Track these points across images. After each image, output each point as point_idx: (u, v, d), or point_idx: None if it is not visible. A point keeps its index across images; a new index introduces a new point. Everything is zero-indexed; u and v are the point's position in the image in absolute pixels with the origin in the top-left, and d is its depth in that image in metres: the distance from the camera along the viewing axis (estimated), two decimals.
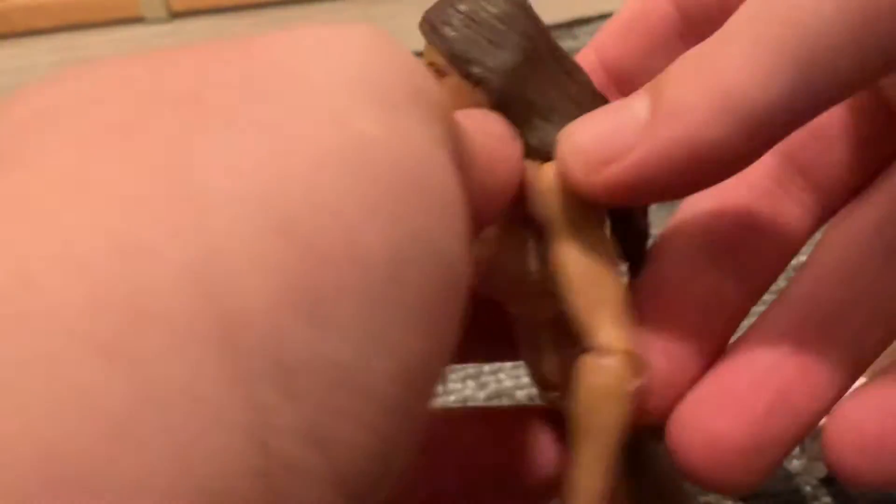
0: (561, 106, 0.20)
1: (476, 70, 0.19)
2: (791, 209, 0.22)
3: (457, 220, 0.15)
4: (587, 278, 0.20)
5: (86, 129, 0.13)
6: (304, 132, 0.13)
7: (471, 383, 0.39)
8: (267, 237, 0.12)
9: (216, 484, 0.11)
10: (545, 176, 0.19)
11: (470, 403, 0.39)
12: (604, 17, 0.55)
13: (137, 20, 0.61)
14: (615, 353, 0.19)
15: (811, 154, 0.22)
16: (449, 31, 0.20)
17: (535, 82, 0.20)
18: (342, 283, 0.13)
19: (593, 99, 0.20)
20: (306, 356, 0.12)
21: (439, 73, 0.20)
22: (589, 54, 0.24)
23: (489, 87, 0.19)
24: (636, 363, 0.19)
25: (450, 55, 0.20)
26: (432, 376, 0.15)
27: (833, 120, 0.22)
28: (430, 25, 0.20)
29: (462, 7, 0.20)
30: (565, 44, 0.53)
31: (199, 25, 0.60)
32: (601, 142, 0.18)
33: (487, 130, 0.19)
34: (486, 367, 0.40)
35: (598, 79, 0.23)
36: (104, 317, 0.11)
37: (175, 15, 0.60)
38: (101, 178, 0.12)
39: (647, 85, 0.19)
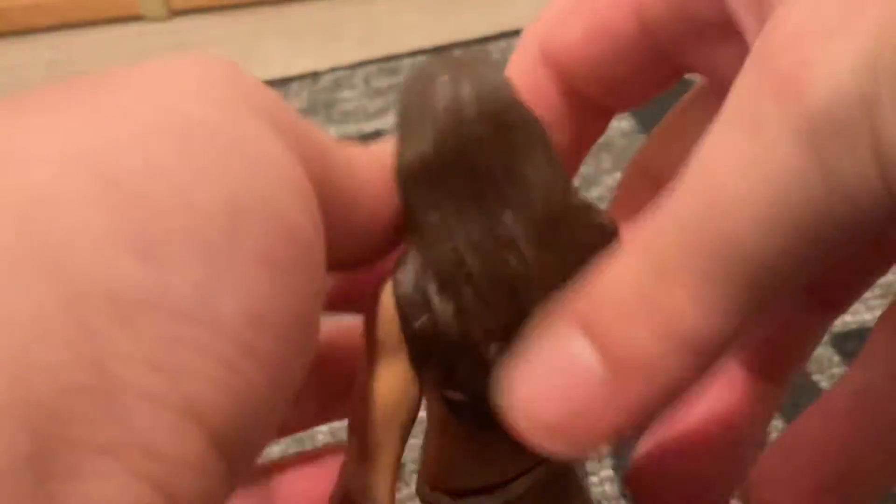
0: (441, 245, 0.18)
1: (396, 150, 0.19)
2: (572, 124, 0.22)
3: (294, 187, 0.16)
4: (385, 413, 0.19)
5: None
6: (132, 109, 0.15)
7: None
8: (90, 184, 0.14)
9: (50, 399, 0.12)
10: (385, 301, 0.18)
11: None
12: None
13: (136, 18, 0.60)
14: (346, 489, 0.20)
15: (595, 90, 0.22)
16: (406, 94, 0.19)
17: (430, 193, 0.18)
18: (174, 228, 0.14)
19: (496, 251, 0.18)
20: (141, 290, 0.14)
21: None
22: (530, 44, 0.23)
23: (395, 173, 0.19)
24: None
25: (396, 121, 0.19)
26: (288, 324, 0.16)
27: (616, 67, 0.22)
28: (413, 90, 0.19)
29: (440, 79, 0.18)
30: None
31: (198, 24, 0.60)
32: (557, 408, 0.17)
33: (373, 178, 0.19)
34: None
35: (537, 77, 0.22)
36: None
37: (174, 13, 0.60)
38: None
39: (574, 320, 0.17)
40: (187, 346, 0.14)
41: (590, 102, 0.22)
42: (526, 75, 0.22)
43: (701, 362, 0.17)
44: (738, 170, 0.15)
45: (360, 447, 0.19)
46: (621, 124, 0.49)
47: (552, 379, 0.18)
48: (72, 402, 0.13)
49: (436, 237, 0.18)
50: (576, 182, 0.23)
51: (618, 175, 0.47)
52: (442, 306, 0.18)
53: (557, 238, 0.18)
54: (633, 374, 0.17)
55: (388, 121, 0.53)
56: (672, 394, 0.17)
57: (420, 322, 0.18)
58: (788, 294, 0.17)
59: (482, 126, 0.18)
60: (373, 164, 0.19)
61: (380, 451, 0.19)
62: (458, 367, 0.18)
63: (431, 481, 0.21)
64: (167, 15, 0.60)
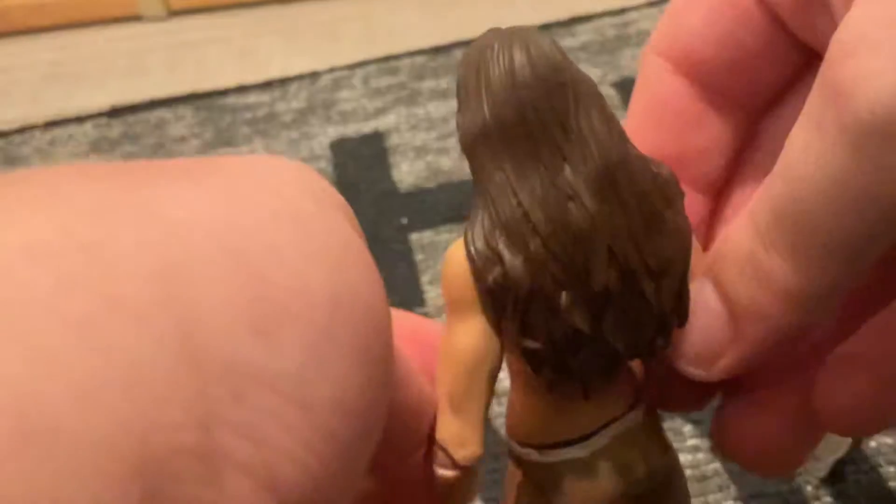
0: (503, 199, 0.19)
1: (458, 119, 0.20)
2: (717, 122, 0.25)
3: (377, 286, 0.17)
4: (468, 365, 0.21)
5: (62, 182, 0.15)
6: (252, 195, 0.16)
7: None
8: (221, 258, 0.15)
9: (164, 456, 0.13)
10: (454, 258, 0.20)
11: None
12: (605, 14, 0.55)
13: (135, 18, 0.60)
14: (438, 441, 0.21)
15: (724, 75, 0.24)
16: (463, 65, 0.20)
17: (492, 155, 0.19)
18: (286, 309, 0.15)
19: (557, 202, 0.19)
20: (254, 365, 0.14)
21: None
22: None
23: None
24: (448, 456, 0.21)
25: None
26: (369, 418, 0.17)
27: (741, 47, 0.24)
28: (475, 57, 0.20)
29: (493, 46, 0.19)
30: (564, 42, 0.53)
31: (197, 23, 0.60)
32: (702, 348, 0.22)
33: (419, 384, 0.21)
34: None
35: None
36: (75, 297, 0.13)
37: (173, 13, 0.60)
38: (73, 196, 0.14)
39: (706, 273, 0.21)
40: (279, 422, 0.15)
41: (723, 98, 0.24)
42: (657, 85, 0.25)
43: (799, 314, 0.20)
44: (808, 161, 0.18)
45: (448, 400, 0.21)
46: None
47: (693, 319, 0.22)
48: (180, 461, 0.13)
49: (501, 195, 0.19)
50: None
51: None
52: (511, 259, 0.19)
53: (616, 188, 0.20)
54: (747, 319, 0.21)
55: (388, 121, 0.53)
56: (779, 337, 0.21)
57: (493, 275, 0.19)
58: (864, 265, 0.19)
59: (536, 87, 0.19)
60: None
61: (467, 401, 0.21)
62: (533, 317, 0.20)
63: (518, 436, 0.23)
64: (166, 15, 0.60)
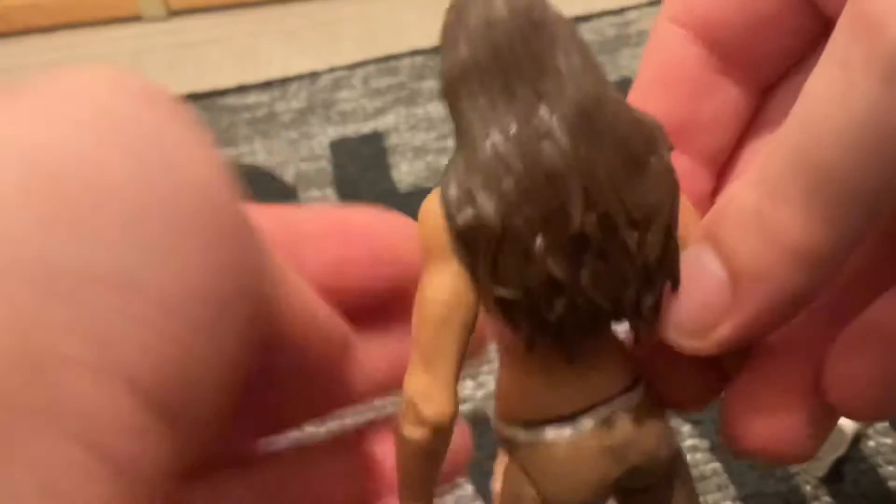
0: (482, 134, 0.19)
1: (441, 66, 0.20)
2: (730, 90, 0.24)
3: (208, 160, 0.17)
4: (438, 317, 0.19)
5: None
6: (59, 106, 0.16)
7: (469, 383, 0.39)
8: (18, 172, 0.15)
9: None
10: (428, 206, 0.19)
11: (468, 403, 0.38)
12: (604, 14, 0.55)
13: (135, 18, 0.60)
14: (405, 396, 0.20)
15: (741, 43, 0.24)
16: (446, 12, 0.20)
17: (470, 98, 0.19)
18: (93, 205, 0.15)
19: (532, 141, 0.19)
20: (73, 264, 0.15)
21: None
22: None
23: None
24: (416, 413, 0.20)
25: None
26: (228, 295, 0.17)
27: (758, 13, 0.23)
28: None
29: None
30: None
31: (197, 24, 0.60)
32: (699, 314, 0.20)
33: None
34: (485, 367, 0.39)
35: None
36: None
37: (173, 13, 0.60)
38: None
39: (706, 237, 0.20)
40: (120, 315, 0.15)
41: (736, 67, 0.24)
42: (669, 51, 0.24)
43: (806, 273, 0.19)
44: (831, 102, 0.17)
45: (419, 354, 0.20)
46: None
47: (686, 283, 0.20)
48: (3, 378, 0.14)
49: (476, 136, 0.19)
50: None
51: None
52: (484, 200, 0.18)
53: (594, 127, 0.19)
54: (749, 280, 0.19)
55: (387, 121, 0.53)
56: (783, 301, 0.19)
57: (464, 217, 0.19)
58: (879, 219, 0.18)
59: (512, 25, 0.19)
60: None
61: (438, 355, 0.20)
62: (506, 262, 0.19)
63: (504, 413, 0.22)
64: (166, 15, 0.60)
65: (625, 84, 0.51)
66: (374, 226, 0.24)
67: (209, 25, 0.60)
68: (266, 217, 0.21)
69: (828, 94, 0.18)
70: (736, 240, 0.20)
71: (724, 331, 0.20)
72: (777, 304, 0.19)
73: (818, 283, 0.19)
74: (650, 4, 0.55)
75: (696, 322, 0.20)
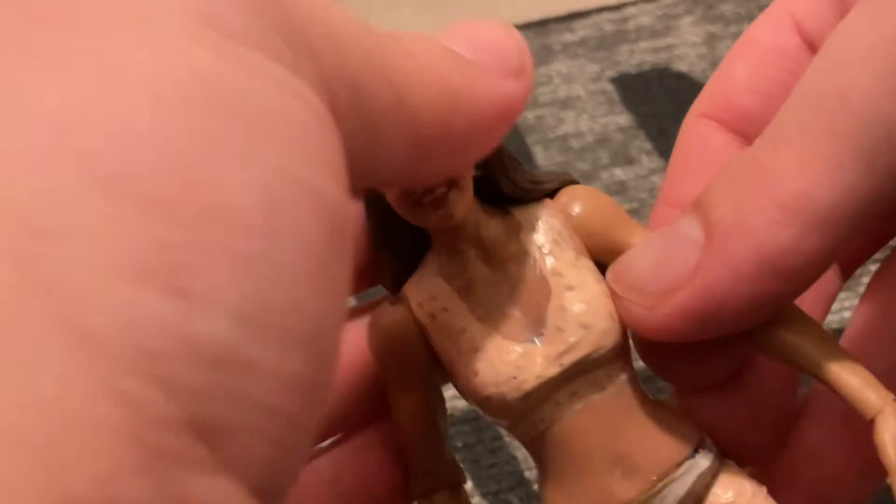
0: None
1: None
2: None
3: (332, 157, 0.13)
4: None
5: None
6: (127, 67, 0.11)
7: None
8: (86, 192, 0.10)
9: (92, 491, 0.10)
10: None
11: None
12: (602, 10, 0.55)
13: None
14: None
15: None
16: None
17: None
18: (204, 243, 0.10)
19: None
20: (174, 335, 0.10)
21: None
22: (661, 204, 0.23)
23: None
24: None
25: None
26: (333, 339, 0.13)
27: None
28: None
29: None
30: (562, 38, 0.53)
31: None
32: (657, 272, 0.18)
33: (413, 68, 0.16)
34: None
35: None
36: None
37: None
38: None
39: (692, 205, 0.18)
40: (232, 399, 0.11)
41: None
42: (699, 139, 0.22)
43: (810, 232, 0.16)
44: (859, 34, 0.16)
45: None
46: (618, 119, 0.49)
47: (657, 251, 0.18)
48: (116, 488, 0.10)
49: None
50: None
51: (615, 171, 0.47)
52: None
53: None
54: (724, 231, 0.16)
55: None
56: (758, 264, 0.16)
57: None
58: (882, 173, 0.16)
59: None
60: (413, 51, 0.16)
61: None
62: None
63: None
64: None
65: (624, 79, 0.51)
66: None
67: None
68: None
69: (855, 30, 0.16)
70: (720, 189, 0.17)
71: (682, 297, 0.17)
72: (750, 269, 0.17)
73: (812, 245, 0.16)
74: (647, 1, 0.55)
75: (652, 280, 0.18)
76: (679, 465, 0.22)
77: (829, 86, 0.16)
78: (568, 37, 0.53)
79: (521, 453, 0.36)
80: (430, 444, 0.24)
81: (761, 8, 0.54)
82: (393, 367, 0.23)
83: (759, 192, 0.16)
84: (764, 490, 0.22)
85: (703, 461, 0.22)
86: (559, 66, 0.51)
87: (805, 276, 0.17)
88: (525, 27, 0.54)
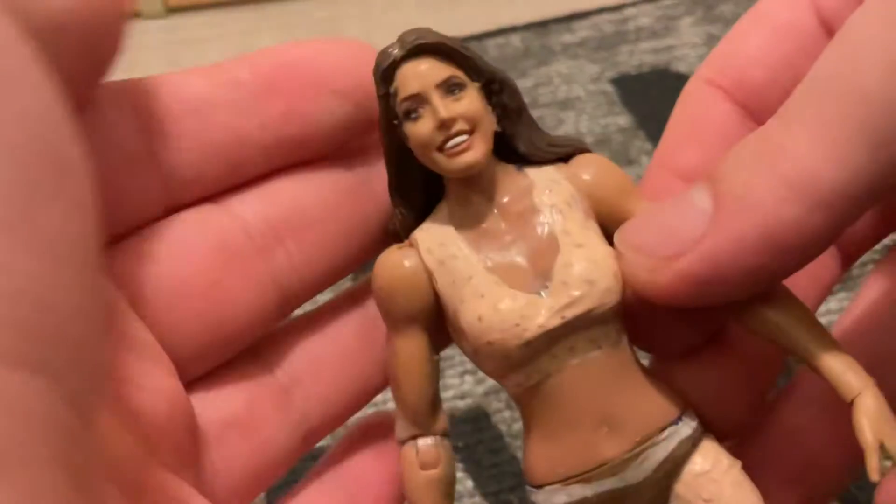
0: None
1: None
2: None
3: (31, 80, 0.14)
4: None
5: None
6: None
7: (469, 378, 0.39)
8: None
9: None
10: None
11: (468, 399, 0.39)
12: (602, 11, 0.55)
13: (134, 16, 0.60)
14: None
15: (772, 103, 0.23)
16: None
17: None
18: None
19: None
20: None
21: None
22: (656, 167, 0.24)
23: None
24: None
25: None
26: (64, 220, 0.14)
27: (797, 74, 0.23)
28: None
29: None
30: (562, 38, 0.53)
31: (196, 21, 0.60)
32: (664, 237, 0.18)
33: None
34: None
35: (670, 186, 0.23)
36: None
37: (171, 10, 0.60)
38: None
39: (704, 176, 0.18)
40: None
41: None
42: (701, 107, 0.23)
43: (815, 209, 0.16)
44: (875, 22, 0.16)
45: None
46: (618, 120, 0.49)
47: (666, 217, 0.18)
48: None
49: None
50: None
51: None
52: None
53: None
54: (741, 205, 0.17)
55: None
56: (762, 237, 0.17)
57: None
58: (893, 162, 0.16)
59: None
60: None
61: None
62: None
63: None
64: (164, 12, 0.60)
65: (623, 80, 0.51)
66: (316, 59, 0.23)
67: (207, 23, 0.60)
68: (201, 81, 0.20)
69: (870, 20, 0.16)
70: (732, 164, 0.18)
71: (686, 262, 0.18)
72: (753, 241, 0.17)
73: (817, 222, 0.17)
74: (647, 1, 0.56)
75: (659, 244, 0.19)
76: (663, 429, 0.23)
77: (842, 71, 0.16)
78: (568, 37, 0.54)
79: (522, 454, 0.36)
80: (422, 389, 0.24)
81: None
82: (399, 309, 0.24)
83: (768, 169, 0.17)
84: (739, 464, 0.23)
85: (685, 429, 0.23)
86: (559, 66, 0.51)
87: (806, 252, 0.18)
88: (525, 27, 0.54)
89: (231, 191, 0.23)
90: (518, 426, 0.37)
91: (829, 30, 0.22)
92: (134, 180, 0.21)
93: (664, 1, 0.55)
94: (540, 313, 0.22)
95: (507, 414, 0.38)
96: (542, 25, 0.55)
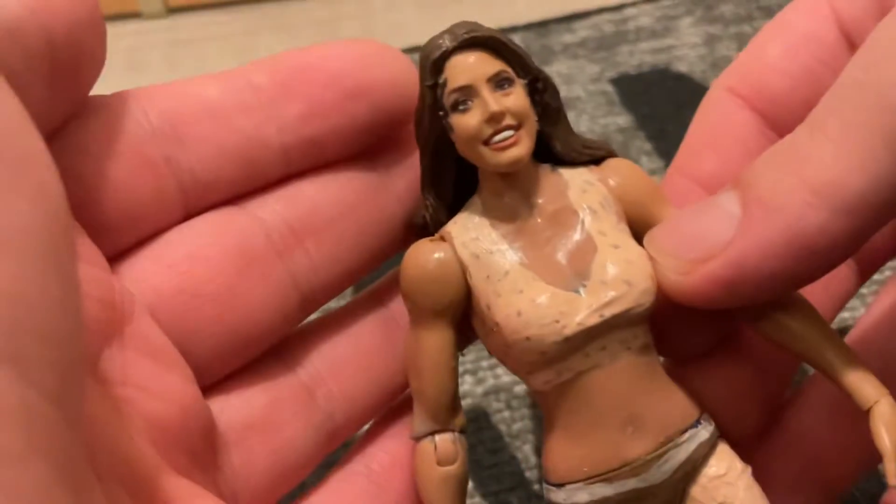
0: None
1: None
2: None
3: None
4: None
5: None
6: None
7: (469, 378, 0.39)
8: None
9: None
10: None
11: (468, 399, 0.39)
12: (602, 11, 0.55)
13: (134, 15, 0.60)
14: None
15: (796, 117, 0.23)
16: None
17: None
18: None
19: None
20: None
21: None
22: (675, 174, 0.25)
23: None
24: None
25: None
26: (42, 235, 0.14)
27: (818, 85, 0.23)
28: None
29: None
30: (562, 38, 0.53)
31: (196, 21, 0.60)
32: (693, 240, 0.19)
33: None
34: (485, 363, 0.40)
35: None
36: None
37: (172, 10, 0.60)
38: None
39: (733, 182, 0.19)
40: None
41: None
42: (722, 115, 0.23)
43: (841, 215, 0.17)
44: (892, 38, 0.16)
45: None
46: (618, 120, 0.49)
47: (695, 221, 0.19)
48: None
49: None
50: None
51: None
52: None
53: None
54: (769, 210, 0.17)
55: None
56: (788, 242, 0.17)
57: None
58: None
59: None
60: None
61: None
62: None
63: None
64: (165, 12, 0.60)
65: (623, 80, 0.51)
66: (333, 61, 0.23)
67: (208, 23, 0.60)
68: (218, 85, 0.20)
69: (889, 31, 0.17)
70: (760, 170, 0.18)
71: (714, 265, 0.19)
72: (779, 246, 0.18)
73: (843, 228, 0.17)
74: (647, 1, 0.56)
75: (689, 248, 0.19)
76: (684, 431, 0.23)
77: (868, 80, 0.17)
78: (568, 37, 0.54)
79: (522, 454, 0.36)
80: (445, 384, 0.24)
81: (761, 8, 0.55)
82: (429, 302, 0.24)
83: (794, 175, 0.17)
84: (749, 469, 0.23)
85: (703, 432, 0.23)
86: (559, 66, 0.51)
87: (829, 258, 0.18)
88: (525, 28, 0.54)
89: (250, 194, 0.23)
90: (518, 426, 0.37)
91: (849, 40, 0.22)
92: (152, 186, 0.22)
93: (664, 1, 0.55)
94: (580, 311, 0.22)
95: (506, 414, 0.38)
96: (542, 25, 0.55)
